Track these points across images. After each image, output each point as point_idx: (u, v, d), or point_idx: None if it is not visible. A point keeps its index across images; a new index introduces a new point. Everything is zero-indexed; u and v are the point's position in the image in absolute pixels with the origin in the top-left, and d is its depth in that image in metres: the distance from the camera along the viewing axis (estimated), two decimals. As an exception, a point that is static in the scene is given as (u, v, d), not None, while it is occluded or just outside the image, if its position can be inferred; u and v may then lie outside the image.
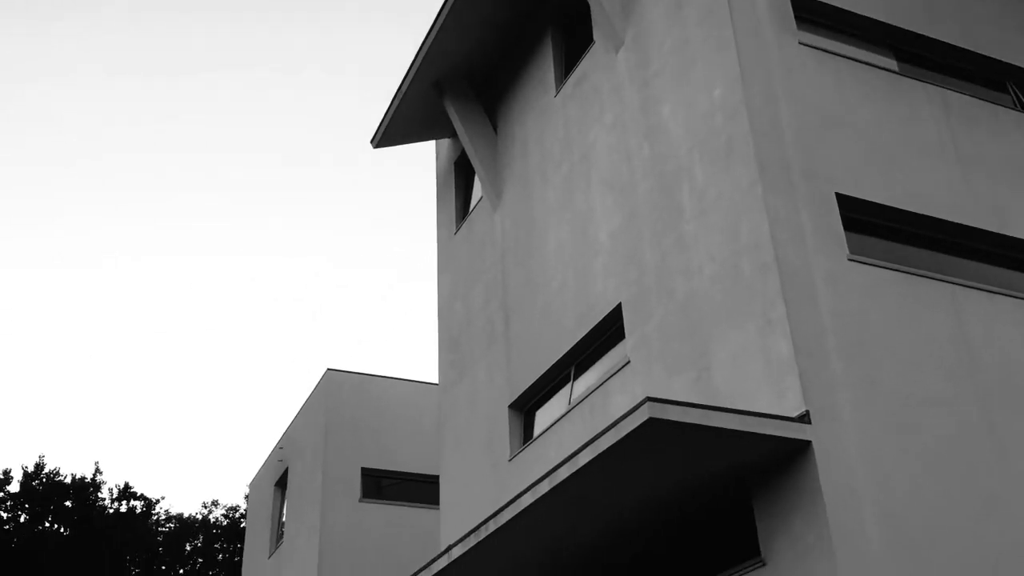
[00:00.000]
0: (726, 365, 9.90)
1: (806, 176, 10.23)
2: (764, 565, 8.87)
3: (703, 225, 10.68)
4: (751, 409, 9.22)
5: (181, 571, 51.49)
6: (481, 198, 16.26)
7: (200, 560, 51.29)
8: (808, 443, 8.65)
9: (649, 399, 8.09)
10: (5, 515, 44.32)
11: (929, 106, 11.57)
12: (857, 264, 9.92)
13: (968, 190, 11.16)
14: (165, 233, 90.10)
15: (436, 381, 25.16)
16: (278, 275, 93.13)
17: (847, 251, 9.95)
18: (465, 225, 16.69)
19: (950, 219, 10.85)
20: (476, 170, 15.88)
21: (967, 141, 11.55)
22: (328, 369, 25.16)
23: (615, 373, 11.70)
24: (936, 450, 9.17)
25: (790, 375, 9.02)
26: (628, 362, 11.50)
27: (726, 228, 10.30)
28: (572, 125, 13.86)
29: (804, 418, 8.71)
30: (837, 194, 10.31)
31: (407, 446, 24.94)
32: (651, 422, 8.09)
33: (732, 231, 10.20)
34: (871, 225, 10.55)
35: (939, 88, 11.80)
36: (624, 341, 11.95)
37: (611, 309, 12.06)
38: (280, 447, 27.81)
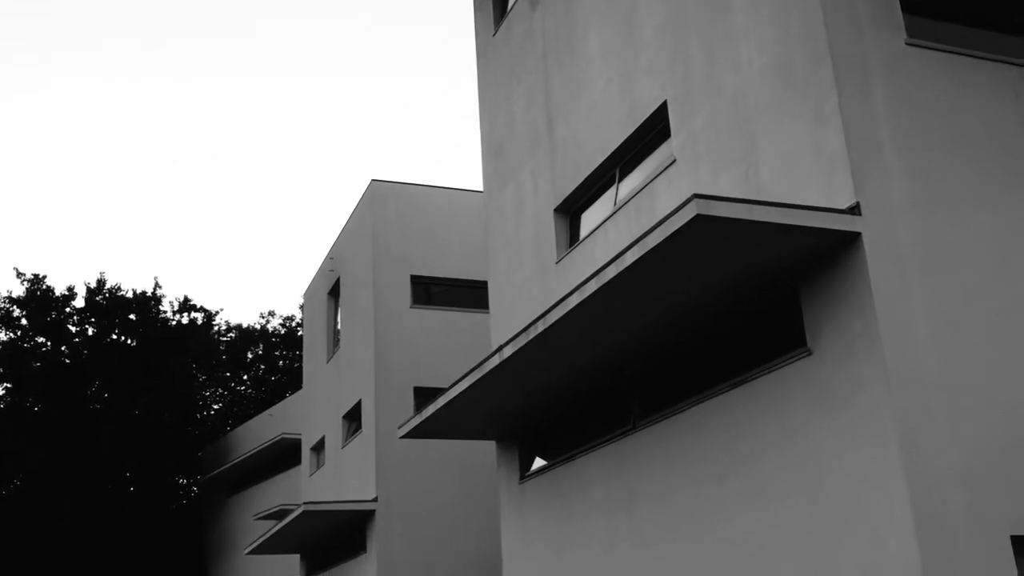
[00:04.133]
0: (775, 161, 9.72)
1: (863, -44, 9.64)
2: (810, 355, 9.02)
3: (752, 16, 10.22)
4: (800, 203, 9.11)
5: (245, 377, 54.03)
6: (520, -4, 15.67)
7: (262, 367, 53.68)
8: (857, 235, 8.58)
9: (696, 196, 8.02)
10: (73, 328, 46.34)
11: None
12: (916, 48, 9.49)
13: (1038, -35, 10.48)
14: (212, 54, 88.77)
15: (481, 189, 25.13)
16: (320, 91, 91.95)
17: (905, 35, 9.50)
18: (504, 26, 16.18)
19: (1016, -2, 10.26)
20: (514, -34, 15.22)
21: (1040, -89, 10.74)
22: (373, 180, 25.24)
23: (661, 172, 11.57)
24: (994, 240, 9.04)
25: (841, 169, 8.85)
26: (674, 161, 11.35)
27: (776, 17, 9.86)
28: (614, -88, 13.10)
29: (854, 210, 8.61)
30: (896, -26, 9.75)
31: (455, 253, 25.29)
32: (698, 219, 8.05)
33: (783, 21, 9.77)
34: (932, 5, 10.01)
35: None
36: (670, 140, 11.74)
37: (656, 107, 11.79)
38: (331, 258, 28.38)
